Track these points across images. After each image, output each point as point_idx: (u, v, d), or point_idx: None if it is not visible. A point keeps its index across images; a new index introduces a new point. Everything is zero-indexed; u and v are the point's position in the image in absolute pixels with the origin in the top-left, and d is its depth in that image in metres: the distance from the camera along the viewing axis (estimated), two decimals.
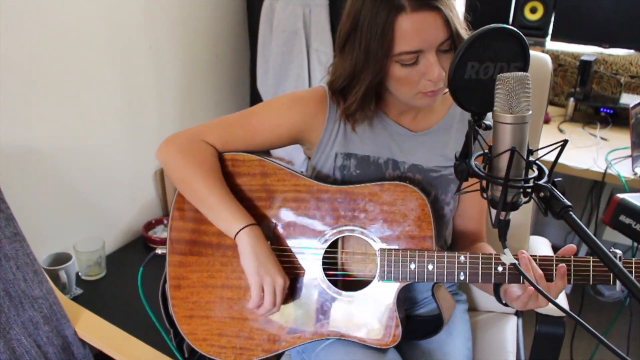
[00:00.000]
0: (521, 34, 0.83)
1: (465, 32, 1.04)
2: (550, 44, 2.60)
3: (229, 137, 1.19)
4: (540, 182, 0.78)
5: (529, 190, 0.80)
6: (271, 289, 1.09)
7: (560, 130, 2.36)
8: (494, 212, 0.84)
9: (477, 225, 1.30)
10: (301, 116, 1.20)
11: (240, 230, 1.10)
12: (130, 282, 1.52)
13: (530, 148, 0.81)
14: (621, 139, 2.24)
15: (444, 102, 1.21)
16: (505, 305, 1.10)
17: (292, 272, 1.17)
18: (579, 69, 2.41)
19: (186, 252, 1.20)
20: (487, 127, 0.86)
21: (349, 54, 1.09)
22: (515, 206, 0.83)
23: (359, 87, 1.10)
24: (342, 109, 1.17)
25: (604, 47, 2.48)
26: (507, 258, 0.90)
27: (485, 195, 0.86)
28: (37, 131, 1.83)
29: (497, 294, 1.12)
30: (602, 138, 2.27)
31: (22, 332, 1.32)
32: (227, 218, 1.12)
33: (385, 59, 1.04)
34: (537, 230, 2.84)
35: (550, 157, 0.81)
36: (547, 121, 2.42)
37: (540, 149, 0.82)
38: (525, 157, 0.79)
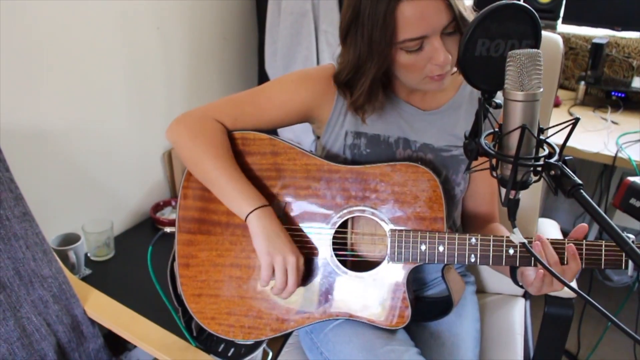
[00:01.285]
0: (533, 10, 0.82)
1: (468, 13, 1.03)
2: (562, 27, 2.56)
3: (238, 115, 1.19)
4: (551, 161, 0.78)
5: (539, 168, 0.80)
6: (282, 268, 1.09)
7: (571, 114, 2.34)
8: (503, 191, 0.83)
9: (489, 206, 1.30)
10: (310, 93, 1.19)
11: (251, 212, 1.10)
12: (139, 263, 1.53)
13: (541, 126, 0.80)
14: (632, 122, 2.22)
15: (453, 81, 1.20)
16: (522, 287, 1.10)
17: (301, 251, 1.17)
18: (590, 52, 2.38)
19: (195, 231, 1.21)
20: (498, 106, 0.85)
21: (351, 45, 1.08)
22: (525, 185, 0.83)
23: (365, 79, 1.09)
24: (350, 103, 1.16)
25: (616, 30, 2.44)
26: (517, 237, 0.89)
27: (495, 174, 0.85)
28: (46, 113, 1.83)
29: (513, 276, 1.11)
30: (612, 122, 2.24)
31: (32, 310, 1.33)
32: (238, 199, 1.12)
33: (389, 48, 1.03)
34: (546, 214, 2.82)
35: (560, 140, 0.80)
36: (557, 105, 2.40)
37: (551, 127, 0.81)
38: (535, 135, 0.78)
